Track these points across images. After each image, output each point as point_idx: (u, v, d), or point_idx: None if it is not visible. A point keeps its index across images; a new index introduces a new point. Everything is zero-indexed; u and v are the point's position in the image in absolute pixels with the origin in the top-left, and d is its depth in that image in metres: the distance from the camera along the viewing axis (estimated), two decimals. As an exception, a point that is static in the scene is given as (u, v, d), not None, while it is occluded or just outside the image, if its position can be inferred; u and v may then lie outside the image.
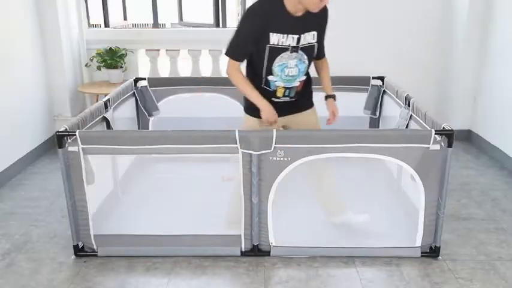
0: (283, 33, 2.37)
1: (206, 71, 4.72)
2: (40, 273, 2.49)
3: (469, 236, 2.83)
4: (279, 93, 2.53)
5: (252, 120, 2.58)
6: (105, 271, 2.51)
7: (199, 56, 4.69)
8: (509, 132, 3.84)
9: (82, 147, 2.40)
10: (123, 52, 4.52)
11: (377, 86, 3.68)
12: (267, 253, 2.60)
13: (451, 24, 4.42)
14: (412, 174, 2.46)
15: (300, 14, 2.38)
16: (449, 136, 2.37)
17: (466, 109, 4.48)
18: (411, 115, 2.91)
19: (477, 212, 3.12)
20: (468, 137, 4.51)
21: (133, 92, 3.66)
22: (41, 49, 4.21)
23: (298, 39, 2.41)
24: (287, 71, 2.46)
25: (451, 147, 2.39)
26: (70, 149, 2.41)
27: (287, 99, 2.57)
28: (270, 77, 2.48)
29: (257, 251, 2.59)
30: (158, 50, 4.67)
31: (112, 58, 4.45)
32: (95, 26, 5.04)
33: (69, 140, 2.40)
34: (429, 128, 2.51)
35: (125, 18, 5.44)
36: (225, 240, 2.59)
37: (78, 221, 2.55)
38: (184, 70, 4.79)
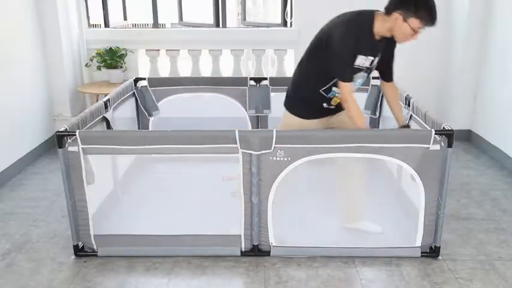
0: (366, 55, 2.45)
1: (206, 71, 4.72)
2: (40, 273, 2.49)
3: (469, 236, 2.83)
4: (333, 102, 2.61)
5: (293, 119, 2.65)
6: (105, 271, 2.51)
7: (199, 56, 4.69)
8: (509, 132, 3.84)
9: (82, 147, 2.40)
10: (123, 52, 4.52)
11: (377, 86, 3.67)
12: (267, 253, 2.60)
13: (451, 24, 4.42)
14: (412, 174, 2.46)
15: (379, 38, 2.45)
16: (449, 136, 2.37)
17: (466, 109, 4.48)
18: (411, 115, 2.91)
19: (477, 212, 3.12)
20: (468, 137, 4.50)
21: (133, 92, 3.67)
22: (41, 49, 4.21)
23: (372, 62, 2.49)
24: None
25: (451, 147, 2.39)
26: (70, 149, 2.41)
27: (333, 107, 2.65)
28: (334, 88, 2.53)
29: (257, 251, 2.59)
30: (158, 50, 4.67)
31: (112, 58, 4.45)
32: (95, 26, 5.03)
33: (69, 140, 2.40)
34: (429, 128, 2.51)
35: (125, 18, 5.43)
36: (225, 240, 2.59)
37: (78, 221, 2.55)
38: (184, 70, 4.78)
